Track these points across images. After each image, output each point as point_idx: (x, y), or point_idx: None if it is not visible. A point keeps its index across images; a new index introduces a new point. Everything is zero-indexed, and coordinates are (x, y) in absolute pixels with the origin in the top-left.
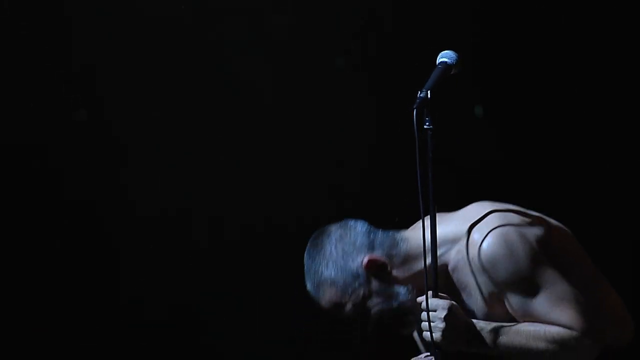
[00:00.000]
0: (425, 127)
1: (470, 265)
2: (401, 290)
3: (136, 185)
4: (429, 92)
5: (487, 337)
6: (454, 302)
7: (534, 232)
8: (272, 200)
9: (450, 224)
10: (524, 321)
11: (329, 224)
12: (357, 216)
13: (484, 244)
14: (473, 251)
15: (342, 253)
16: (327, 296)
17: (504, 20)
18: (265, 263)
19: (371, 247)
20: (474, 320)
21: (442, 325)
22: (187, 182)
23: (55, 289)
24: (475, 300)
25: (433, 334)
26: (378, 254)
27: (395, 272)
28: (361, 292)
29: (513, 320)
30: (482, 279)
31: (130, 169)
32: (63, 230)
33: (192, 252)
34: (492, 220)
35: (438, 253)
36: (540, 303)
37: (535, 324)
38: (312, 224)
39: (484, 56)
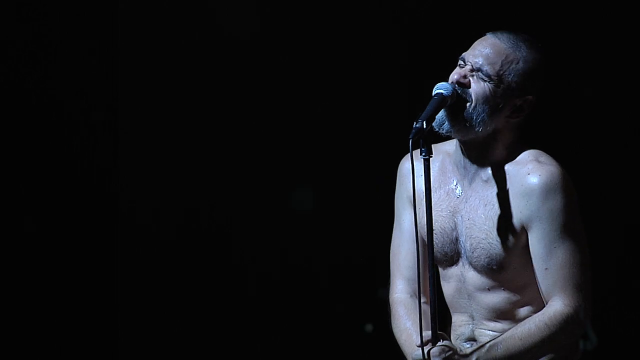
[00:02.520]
0: (421, 157)
1: (518, 179)
2: None
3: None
4: (424, 122)
5: None
6: (449, 347)
7: None
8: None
9: None
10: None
11: None
12: None
13: (549, 168)
14: (531, 169)
15: None
16: None
17: None
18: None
19: None
20: (468, 351)
21: None
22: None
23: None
24: (492, 212)
25: None
26: None
27: None
28: None
29: (504, 250)
30: (523, 198)
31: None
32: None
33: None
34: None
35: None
36: (565, 251)
37: (522, 323)
38: None
39: None
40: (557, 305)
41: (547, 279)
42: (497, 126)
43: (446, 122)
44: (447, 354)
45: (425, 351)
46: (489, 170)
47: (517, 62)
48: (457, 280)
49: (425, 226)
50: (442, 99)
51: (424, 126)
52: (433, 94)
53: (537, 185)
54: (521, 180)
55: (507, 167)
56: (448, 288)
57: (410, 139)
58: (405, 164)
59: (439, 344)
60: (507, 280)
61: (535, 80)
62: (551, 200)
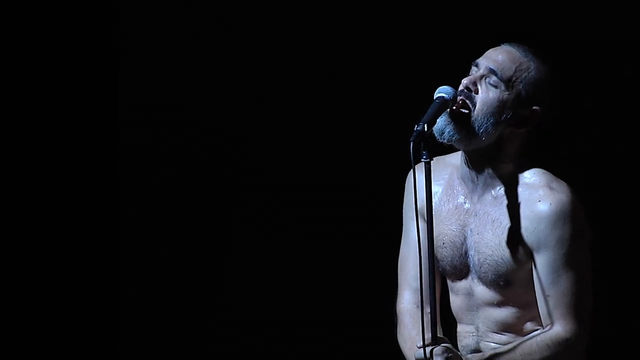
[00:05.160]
0: (422, 160)
1: (528, 203)
2: None
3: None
4: (425, 125)
5: None
6: (450, 349)
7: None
8: None
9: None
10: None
11: None
12: None
13: (561, 197)
14: (542, 196)
15: None
16: None
17: None
18: None
19: None
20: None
21: None
22: None
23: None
24: (500, 230)
25: None
26: None
27: None
28: None
29: (511, 275)
30: (532, 223)
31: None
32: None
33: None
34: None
35: None
36: (568, 280)
37: (525, 339)
38: None
39: None
40: (559, 329)
41: (547, 305)
42: (502, 137)
43: (448, 129)
44: (449, 355)
45: (428, 351)
46: (498, 187)
47: (529, 71)
48: (466, 293)
49: (437, 237)
50: (443, 103)
51: (425, 129)
52: (434, 97)
53: (547, 213)
54: (531, 206)
55: (518, 188)
56: (455, 300)
57: (411, 141)
58: (410, 176)
59: (443, 344)
60: (514, 296)
61: (544, 91)
62: (559, 230)
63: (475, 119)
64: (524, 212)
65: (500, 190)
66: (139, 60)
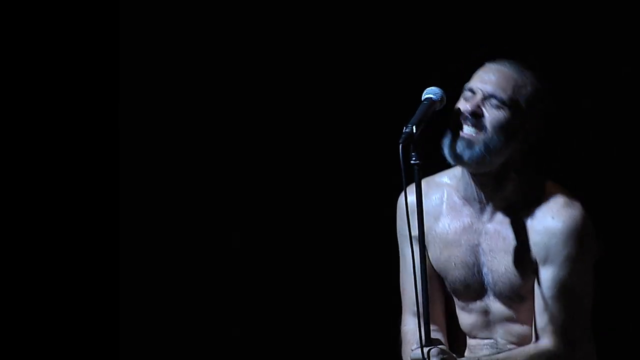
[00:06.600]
0: (412, 162)
1: (540, 218)
2: None
3: None
4: (414, 127)
5: None
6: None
7: None
8: None
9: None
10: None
11: None
12: None
13: (573, 214)
14: (555, 213)
15: None
16: None
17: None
18: None
19: None
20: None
21: None
22: None
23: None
24: (511, 247)
25: None
26: None
27: None
28: None
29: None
30: (542, 238)
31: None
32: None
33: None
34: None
35: None
36: (570, 298)
37: (522, 349)
38: None
39: None
40: (548, 345)
41: (544, 317)
42: (509, 155)
43: (466, 154)
44: (444, 356)
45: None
46: (507, 204)
47: (526, 86)
48: (482, 311)
49: (439, 259)
50: (431, 104)
51: (414, 131)
52: (422, 98)
53: (559, 229)
54: (543, 221)
55: (529, 203)
56: (468, 319)
57: (400, 144)
58: (402, 200)
59: (439, 346)
60: (532, 309)
61: (544, 103)
62: (569, 248)
63: (490, 142)
64: (535, 227)
65: (509, 207)
66: (138, 60)
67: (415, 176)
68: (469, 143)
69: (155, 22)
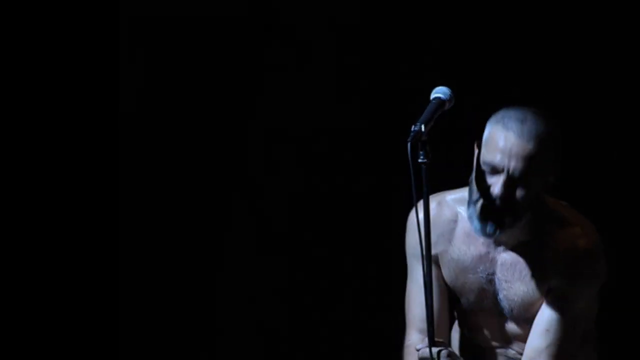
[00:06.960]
0: (419, 161)
1: (556, 245)
2: None
3: None
4: (422, 125)
5: None
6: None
7: None
8: None
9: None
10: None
11: None
12: None
13: (587, 240)
14: (572, 237)
15: None
16: None
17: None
18: None
19: None
20: None
21: None
22: None
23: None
24: (527, 274)
25: None
26: None
27: None
28: None
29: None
30: (558, 262)
31: None
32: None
33: None
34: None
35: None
36: (573, 326)
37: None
38: None
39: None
40: None
41: (541, 339)
42: None
43: (495, 234)
44: (452, 358)
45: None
46: (522, 233)
47: (548, 150)
48: (496, 329)
49: (455, 283)
50: (440, 104)
51: (422, 129)
52: (431, 97)
53: (574, 260)
54: (560, 247)
55: (545, 230)
56: (480, 334)
57: (408, 142)
58: (412, 216)
59: (448, 349)
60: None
61: (563, 148)
62: (584, 278)
63: (521, 217)
64: (553, 254)
65: (525, 235)
66: (138, 60)
67: (423, 175)
68: (500, 223)
69: (155, 22)
